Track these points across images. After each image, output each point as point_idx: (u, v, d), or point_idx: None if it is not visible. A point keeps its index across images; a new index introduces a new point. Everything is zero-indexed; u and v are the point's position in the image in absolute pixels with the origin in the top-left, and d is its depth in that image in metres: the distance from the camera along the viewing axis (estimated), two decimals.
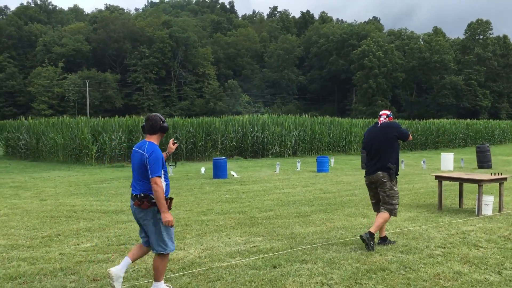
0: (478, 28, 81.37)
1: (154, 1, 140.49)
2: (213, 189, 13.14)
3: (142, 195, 4.62)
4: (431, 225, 8.13)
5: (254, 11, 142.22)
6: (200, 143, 25.66)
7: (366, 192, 12.31)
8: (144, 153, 4.59)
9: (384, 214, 6.57)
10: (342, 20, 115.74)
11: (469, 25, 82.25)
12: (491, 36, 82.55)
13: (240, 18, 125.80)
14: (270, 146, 27.47)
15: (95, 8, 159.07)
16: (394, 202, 6.60)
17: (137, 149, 4.73)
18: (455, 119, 51.17)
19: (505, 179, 9.55)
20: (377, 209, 6.94)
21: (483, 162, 20.27)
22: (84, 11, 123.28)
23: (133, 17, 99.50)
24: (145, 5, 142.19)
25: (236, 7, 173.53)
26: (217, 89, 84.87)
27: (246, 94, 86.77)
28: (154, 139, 4.78)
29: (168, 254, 4.77)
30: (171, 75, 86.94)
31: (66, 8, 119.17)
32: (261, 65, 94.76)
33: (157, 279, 4.77)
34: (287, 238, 7.16)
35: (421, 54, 78.38)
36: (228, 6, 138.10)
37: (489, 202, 9.22)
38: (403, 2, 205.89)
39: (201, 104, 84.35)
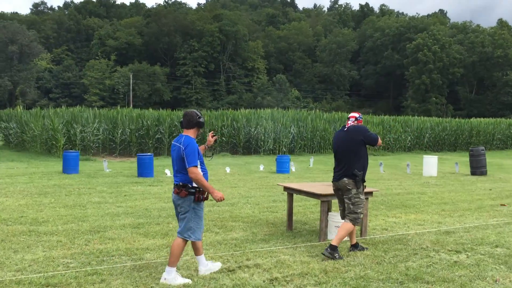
0: None
1: None
2: (104, 190, 11.64)
3: (181, 184, 4.97)
4: (227, 252, 6.16)
5: (315, 5, 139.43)
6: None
7: (241, 201, 10.29)
8: (181, 146, 4.90)
9: (346, 225, 6.17)
10: (403, 13, 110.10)
11: None
12: None
13: (299, 12, 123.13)
14: (261, 143, 25.57)
15: (155, 3, 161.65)
16: (359, 210, 6.22)
17: (175, 143, 5.05)
18: None
19: (369, 193, 7.28)
20: (344, 216, 6.49)
21: (476, 168, 17.39)
22: (146, 6, 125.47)
23: (191, 11, 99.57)
24: (206, 0, 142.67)
25: (297, 1, 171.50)
26: (266, 84, 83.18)
27: (295, 89, 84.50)
28: (190, 133, 5.09)
29: (187, 241, 5.03)
30: (220, 68, 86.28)
31: (128, 3, 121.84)
32: (313, 60, 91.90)
33: (170, 264, 4.96)
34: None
35: (483, 48, 72.37)
36: (288, 0, 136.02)
37: (340, 223, 7.03)
38: None
39: (249, 98, 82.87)
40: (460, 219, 8.87)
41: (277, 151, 25.71)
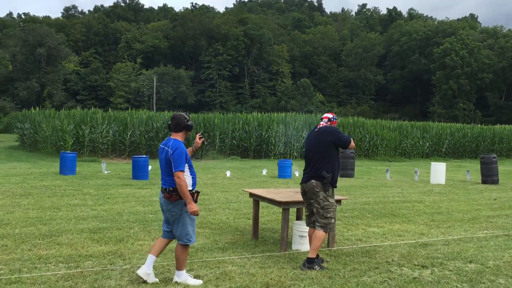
0: None
1: (243, 0, 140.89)
2: (90, 192, 11.49)
3: (171, 189, 4.88)
4: (172, 262, 5.84)
5: (343, 9, 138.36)
6: (193, 141, 23.99)
7: (221, 206, 9.94)
8: (169, 150, 4.85)
9: (318, 233, 5.80)
10: (432, 17, 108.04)
11: None
12: None
13: (326, 16, 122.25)
14: (272, 147, 25.19)
15: (183, 7, 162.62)
16: (329, 215, 5.89)
17: (163, 146, 5.01)
18: None
19: (337, 201, 6.84)
20: (309, 223, 6.13)
21: (487, 176, 16.64)
22: (174, 10, 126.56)
23: (217, 15, 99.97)
24: (233, 4, 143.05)
25: (325, 5, 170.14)
26: (290, 87, 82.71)
27: (319, 93, 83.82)
28: (178, 137, 5.04)
29: (189, 245, 5.00)
30: (244, 72, 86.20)
31: (156, 7, 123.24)
32: (338, 64, 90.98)
33: (179, 268, 5.01)
34: None
35: None
36: (316, 4, 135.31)
37: (304, 233, 6.64)
38: None
39: (273, 102, 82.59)
40: (447, 230, 8.32)
41: (288, 155, 25.30)
